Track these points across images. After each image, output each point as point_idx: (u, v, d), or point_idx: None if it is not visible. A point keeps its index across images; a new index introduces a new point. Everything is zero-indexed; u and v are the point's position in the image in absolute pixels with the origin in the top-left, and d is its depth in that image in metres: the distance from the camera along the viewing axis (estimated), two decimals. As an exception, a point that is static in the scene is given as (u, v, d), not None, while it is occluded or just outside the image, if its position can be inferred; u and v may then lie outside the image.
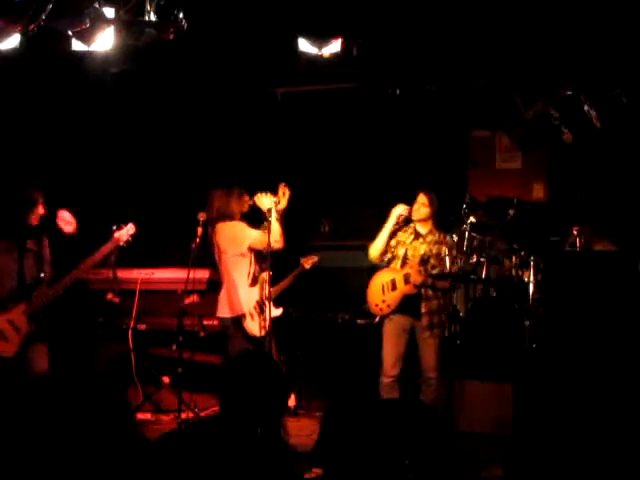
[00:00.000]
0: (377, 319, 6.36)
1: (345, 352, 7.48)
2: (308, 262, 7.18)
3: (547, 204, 8.26)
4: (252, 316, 6.09)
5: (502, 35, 6.49)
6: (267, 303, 6.03)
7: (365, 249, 6.58)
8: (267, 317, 6.01)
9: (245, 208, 6.19)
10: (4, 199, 5.48)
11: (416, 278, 6.18)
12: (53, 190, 7.76)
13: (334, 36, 6.07)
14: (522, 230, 7.13)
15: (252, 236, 6.09)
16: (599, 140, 7.46)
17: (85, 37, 5.72)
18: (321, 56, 6.16)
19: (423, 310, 6.21)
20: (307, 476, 5.33)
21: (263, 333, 6.03)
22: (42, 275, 5.41)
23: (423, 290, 6.21)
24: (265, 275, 6.02)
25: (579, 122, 7.25)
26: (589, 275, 6.44)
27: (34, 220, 5.43)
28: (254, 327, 6.06)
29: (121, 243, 5.63)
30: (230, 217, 6.13)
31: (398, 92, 7.49)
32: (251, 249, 6.09)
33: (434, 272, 6.15)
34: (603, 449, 5.40)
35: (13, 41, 5.85)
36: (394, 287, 6.26)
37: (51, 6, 5.50)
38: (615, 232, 7.13)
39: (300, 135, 8.50)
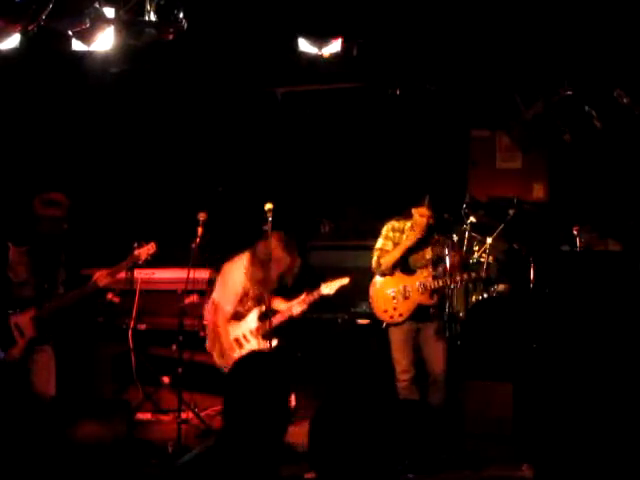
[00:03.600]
0: (384, 325, 6.16)
1: (345, 352, 7.47)
2: (332, 287, 6.30)
3: (547, 204, 8.26)
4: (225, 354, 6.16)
5: (502, 35, 6.49)
6: (249, 338, 6.07)
7: (365, 249, 6.54)
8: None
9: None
10: (22, 205, 5.40)
11: (434, 285, 5.97)
12: (53, 190, 7.79)
13: (334, 36, 6.08)
14: (522, 230, 7.14)
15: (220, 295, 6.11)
16: (599, 140, 7.47)
17: (85, 37, 5.72)
18: (321, 56, 6.17)
19: (432, 312, 6.12)
20: (307, 476, 5.33)
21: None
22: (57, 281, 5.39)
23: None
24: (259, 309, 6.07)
25: (579, 122, 7.26)
26: (589, 275, 6.45)
27: (52, 227, 5.33)
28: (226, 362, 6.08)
29: (140, 261, 5.64)
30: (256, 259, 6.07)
31: (398, 92, 7.49)
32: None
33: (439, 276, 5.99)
34: (604, 447, 5.40)
35: (13, 41, 5.85)
36: (406, 296, 6.06)
37: (51, 6, 5.50)
38: (616, 232, 7.14)
39: (300, 135, 8.50)
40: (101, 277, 5.41)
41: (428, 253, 6.04)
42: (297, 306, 6.23)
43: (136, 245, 5.64)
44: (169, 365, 6.80)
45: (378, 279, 6.21)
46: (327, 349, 7.51)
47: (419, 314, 6.07)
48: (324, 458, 2.71)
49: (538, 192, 8.43)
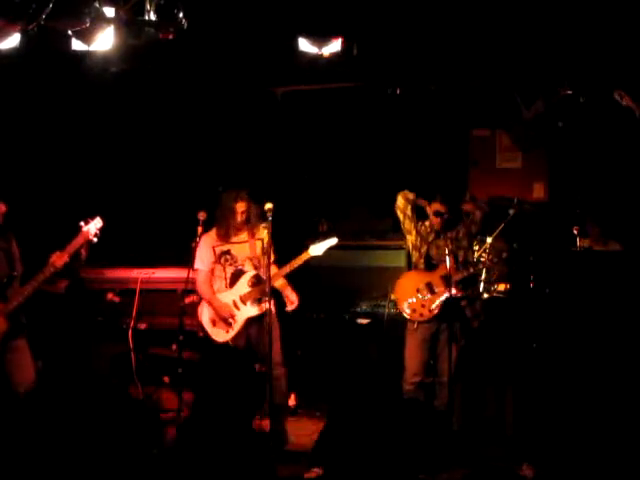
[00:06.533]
0: (415, 325, 6.12)
1: (345, 352, 7.46)
2: (321, 248, 6.34)
3: (547, 204, 8.26)
4: (213, 322, 6.23)
5: (502, 35, 6.49)
6: (239, 304, 6.15)
7: (365, 249, 6.51)
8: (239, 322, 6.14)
9: (238, 218, 6.16)
10: None
11: (456, 277, 6.00)
12: (52, 190, 7.80)
13: (334, 36, 6.08)
14: (522, 230, 7.13)
15: (197, 264, 6.23)
16: (599, 140, 7.47)
17: (85, 37, 5.72)
18: (321, 56, 6.17)
19: (463, 304, 6.11)
20: (307, 476, 5.33)
21: (229, 339, 6.18)
22: (15, 273, 5.41)
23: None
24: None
25: (579, 121, 7.27)
26: (589, 275, 6.45)
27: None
28: (217, 334, 6.21)
29: (90, 237, 5.58)
30: (217, 224, 6.23)
31: (398, 92, 7.48)
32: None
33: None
34: (604, 446, 5.41)
35: (13, 40, 5.86)
36: (432, 291, 6.10)
37: (51, 6, 5.50)
38: (617, 232, 7.14)
39: (300, 135, 8.49)
40: (57, 258, 5.43)
41: (448, 245, 6.02)
42: (286, 268, 6.24)
43: (82, 223, 5.60)
44: (169, 365, 6.80)
45: (402, 280, 6.26)
46: (327, 349, 7.50)
47: (448, 310, 6.00)
48: (331, 456, 2.72)
49: (538, 192, 8.43)
